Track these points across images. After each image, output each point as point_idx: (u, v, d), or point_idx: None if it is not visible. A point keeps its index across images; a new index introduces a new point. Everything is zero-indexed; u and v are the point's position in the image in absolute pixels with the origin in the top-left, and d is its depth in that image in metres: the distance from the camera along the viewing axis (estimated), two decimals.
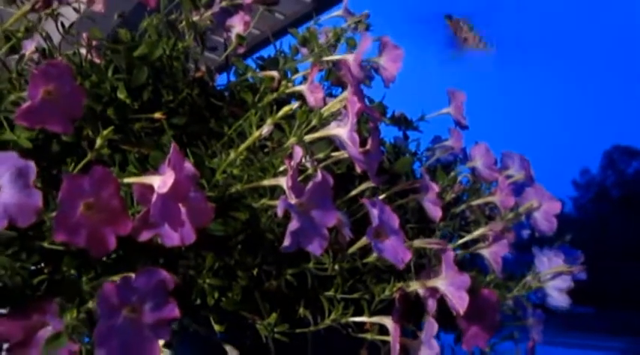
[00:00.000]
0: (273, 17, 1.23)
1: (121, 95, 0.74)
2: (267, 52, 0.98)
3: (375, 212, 0.56)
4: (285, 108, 0.54)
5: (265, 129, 0.54)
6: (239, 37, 0.87)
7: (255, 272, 0.68)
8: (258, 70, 0.90)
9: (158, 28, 0.83)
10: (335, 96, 1.01)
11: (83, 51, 0.80)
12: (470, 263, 0.87)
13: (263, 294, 0.66)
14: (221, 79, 0.88)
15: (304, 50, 0.97)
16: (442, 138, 1.07)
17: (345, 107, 0.59)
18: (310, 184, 0.52)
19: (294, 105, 0.55)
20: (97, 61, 0.79)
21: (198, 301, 0.65)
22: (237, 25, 0.95)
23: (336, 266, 0.61)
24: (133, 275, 0.41)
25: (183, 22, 0.86)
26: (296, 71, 0.92)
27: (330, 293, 0.66)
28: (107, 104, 0.74)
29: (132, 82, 0.75)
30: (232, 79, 0.89)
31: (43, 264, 0.60)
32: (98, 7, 0.74)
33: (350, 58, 0.66)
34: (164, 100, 0.80)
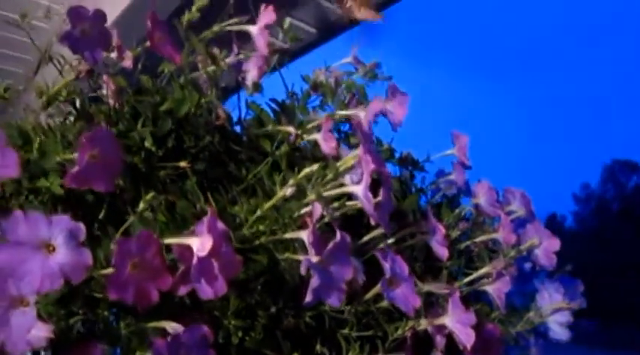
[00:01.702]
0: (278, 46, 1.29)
1: (148, 143, 0.79)
2: (274, 79, 1.03)
3: (387, 265, 0.61)
4: (306, 170, 0.60)
5: (289, 190, 0.59)
6: (255, 85, 0.92)
7: (274, 311, 0.73)
8: (272, 116, 0.95)
9: (179, 79, 0.88)
10: (342, 131, 1.07)
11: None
12: (475, 296, 0.92)
13: (283, 333, 0.71)
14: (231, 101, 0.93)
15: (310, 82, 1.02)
16: (445, 171, 1.12)
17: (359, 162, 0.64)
18: (331, 245, 0.57)
19: (315, 166, 0.60)
20: (115, 101, 0.84)
21: (223, 340, 0.70)
22: (252, 70, 1.00)
23: (351, 309, 0.66)
24: (180, 329, 0.46)
25: (202, 71, 0.92)
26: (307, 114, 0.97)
27: (346, 331, 0.71)
28: (134, 152, 0.79)
29: (157, 132, 0.80)
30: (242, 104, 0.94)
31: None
32: (127, 63, 0.79)
33: (361, 115, 0.72)
34: (186, 146, 0.85)
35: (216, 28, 0.74)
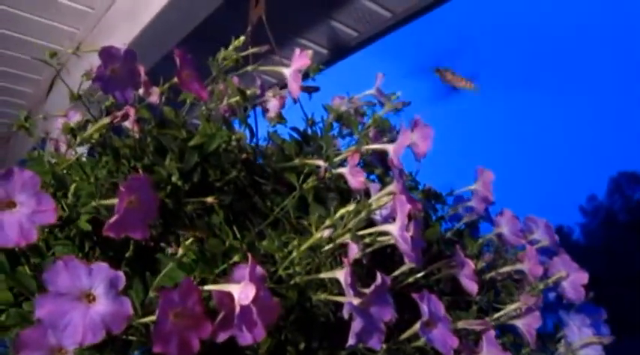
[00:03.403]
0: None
1: (175, 178, 0.79)
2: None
3: (425, 307, 0.60)
4: (342, 211, 0.59)
5: (326, 233, 0.59)
6: (279, 116, 0.93)
7: (303, 348, 0.72)
8: (294, 146, 0.95)
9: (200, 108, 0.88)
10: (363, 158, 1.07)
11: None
12: (502, 328, 0.91)
13: None
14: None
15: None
16: (464, 197, 1.12)
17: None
18: (372, 287, 0.56)
19: (351, 206, 0.60)
20: (139, 133, 0.84)
21: None
22: (274, 100, 1.01)
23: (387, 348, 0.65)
24: None
25: (224, 102, 0.92)
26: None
27: None
28: (161, 188, 0.79)
29: (184, 167, 0.79)
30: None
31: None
32: (154, 98, 0.80)
33: (390, 149, 0.71)
34: (211, 179, 0.84)
35: (250, 68, 0.74)
